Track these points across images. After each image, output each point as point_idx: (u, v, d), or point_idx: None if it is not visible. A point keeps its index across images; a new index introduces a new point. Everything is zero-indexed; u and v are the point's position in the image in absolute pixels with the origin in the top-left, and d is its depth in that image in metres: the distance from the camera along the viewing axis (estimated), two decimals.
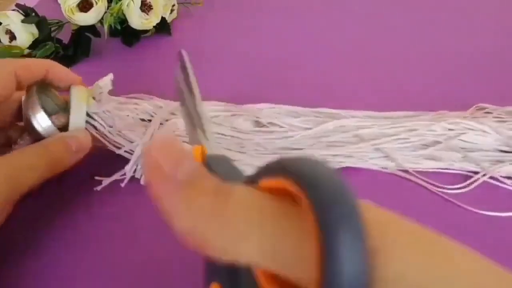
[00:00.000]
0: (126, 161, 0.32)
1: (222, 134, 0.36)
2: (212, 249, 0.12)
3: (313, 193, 0.11)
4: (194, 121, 0.22)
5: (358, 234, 0.11)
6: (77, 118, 0.30)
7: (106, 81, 0.33)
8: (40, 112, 0.29)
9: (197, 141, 0.22)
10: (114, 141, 0.32)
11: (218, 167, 0.16)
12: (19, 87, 0.29)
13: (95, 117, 0.32)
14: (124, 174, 0.32)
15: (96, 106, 0.32)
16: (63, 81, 0.31)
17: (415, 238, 0.12)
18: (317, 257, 0.11)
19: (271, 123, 0.37)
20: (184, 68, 0.27)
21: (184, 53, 0.28)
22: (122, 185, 0.32)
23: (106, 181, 0.32)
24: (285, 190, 0.12)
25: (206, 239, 0.12)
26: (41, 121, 0.29)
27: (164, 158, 0.13)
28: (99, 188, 0.32)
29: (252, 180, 0.14)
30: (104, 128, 0.32)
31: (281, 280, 0.13)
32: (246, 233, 0.12)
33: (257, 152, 0.34)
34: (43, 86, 0.31)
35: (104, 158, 0.33)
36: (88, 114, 0.31)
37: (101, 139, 0.32)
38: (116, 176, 0.32)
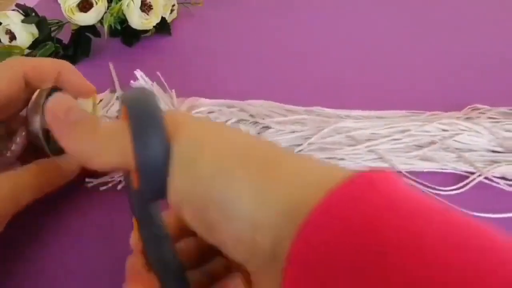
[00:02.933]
0: None
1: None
2: (92, 164, 0.19)
3: (127, 106, 0.18)
4: None
5: (154, 127, 0.17)
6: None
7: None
8: (40, 116, 0.28)
9: None
10: None
11: None
12: (28, 87, 0.28)
13: None
14: (120, 176, 0.32)
15: (102, 109, 0.32)
16: (75, 88, 0.30)
17: (194, 127, 0.18)
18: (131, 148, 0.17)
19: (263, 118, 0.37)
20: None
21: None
22: (119, 187, 0.32)
23: (95, 181, 0.32)
24: None
25: (87, 157, 0.19)
26: (37, 127, 0.28)
27: (58, 108, 0.19)
28: (89, 185, 0.32)
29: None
30: None
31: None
32: (108, 147, 0.18)
33: None
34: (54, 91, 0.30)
35: None
36: None
37: None
38: (106, 178, 0.32)
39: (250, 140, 0.18)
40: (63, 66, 0.30)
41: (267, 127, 0.37)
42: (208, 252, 0.21)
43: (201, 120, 0.19)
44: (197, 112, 0.37)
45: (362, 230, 0.13)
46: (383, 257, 0.12)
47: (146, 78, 0.38)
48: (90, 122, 0.19)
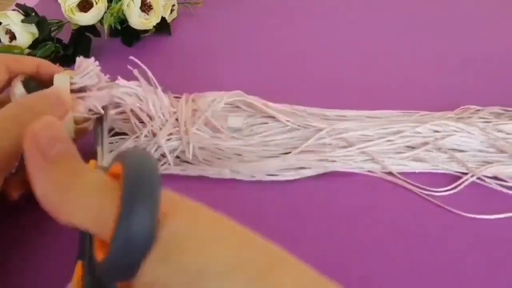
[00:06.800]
0: None
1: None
2: (57, 215, 0.16)
3: (125, 173, 0.15)
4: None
5: (146, 204, 0.15)
6: (59, 81, 0.29)
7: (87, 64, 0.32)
8: (20, 91, 0.28)
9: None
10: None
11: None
12: (11, 78, 0.29)
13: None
14: None
15: (79, 77, 0.30)
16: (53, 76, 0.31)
17: (190, 213, 0.16)
18: (114, 220, 0.15)
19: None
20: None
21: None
22: None
23: None
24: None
25: (53, 207, 0.16)
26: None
27: (43, 134, 0.16)
28: None
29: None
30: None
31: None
32: (81, 205, 0.15)
33: (242, 157, 0.35)
34: (32, 79, 0.30)
35: None
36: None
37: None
38: None
39: (248, 240, 0.16)
40: (42, 60, 0.31)
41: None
42: None
43: (197, 206, 0.17)
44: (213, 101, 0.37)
45: None
46: None
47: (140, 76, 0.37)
48: (73, 163, 0.16)
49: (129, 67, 0.35)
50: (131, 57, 0.36)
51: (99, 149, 0.30)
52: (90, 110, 0.31)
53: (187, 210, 0.16)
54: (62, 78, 0.29)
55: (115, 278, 0.15)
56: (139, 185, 0.15)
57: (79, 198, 0.16)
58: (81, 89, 0.30)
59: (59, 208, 0.16)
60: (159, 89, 0.36)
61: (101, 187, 0.16)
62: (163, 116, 0.35)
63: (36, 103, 0.26)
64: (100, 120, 0.32)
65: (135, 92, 0.34)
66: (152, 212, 0.15)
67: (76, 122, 0.30)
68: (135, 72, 0.35)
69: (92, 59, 0.32)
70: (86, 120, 0.31)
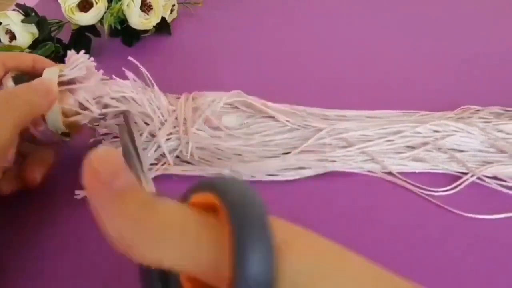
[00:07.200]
0: None
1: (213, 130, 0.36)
2: (137, 254, 0.14)
3: (230, 208, 0.14)
4: (130, 155, 0.25)
5: (263, 242, 0.13)
6: (48, 73, 0.30)
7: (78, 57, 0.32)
8: (10, 85, 0.29)
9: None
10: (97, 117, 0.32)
11: None
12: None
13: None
14: None
15: (69, 69, 0.30)
16: None
17: (310, 244, 0.15)
18: (230, 260, 0.13)
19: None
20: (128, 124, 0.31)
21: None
22: None
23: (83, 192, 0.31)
24: (210, 204, 0.15)
25: (132, 245, 0.14)
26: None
27: (103, 168, 0.14)
28: (79, 197, 0.31)
29: (184, 197, 0.17)
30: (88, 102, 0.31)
31: (201, 284, 0.15)
32: (168, 240, 0.14)
33: (242, 157, 0.35)
34: (23, 75, 0.31)
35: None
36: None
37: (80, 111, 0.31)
38: None
39: (381, 278, 0.15)
40: (37, 56, 0.32)
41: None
42: None
43: (310, 235, 0.16)
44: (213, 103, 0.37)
45: None
46: None
47: (135, 77, 0.36)
48: (141, 194, 0.15)
49: (123, 69, 0.35)
50: (130, 58, 0.36)
51: (141, 175, 0.28)
52: (80, 104, 0.31)
53: (303, 241, 0.15)
54: (51, 71, 0.30)
55: None
56: (250, 227, 0.14)
57: (159, 233, 0.14)
58: (71, 82, 0.31)
59: (137, 245, 0.14)
60: (156, 87, 0.36)
61: (183, 221, 0.14)
62: (162, 116, 0.35)
63: (24, 92, 0.27)
64: (124, 131, 0.30)
65: (130, 92, 0.34)
66: (269, 254, 0.13)
67: (65, 114, 0.30)
68: (130, 75, 0.35)
69: (81, 52, 0.32)
70: (77, 113, 0.31)
